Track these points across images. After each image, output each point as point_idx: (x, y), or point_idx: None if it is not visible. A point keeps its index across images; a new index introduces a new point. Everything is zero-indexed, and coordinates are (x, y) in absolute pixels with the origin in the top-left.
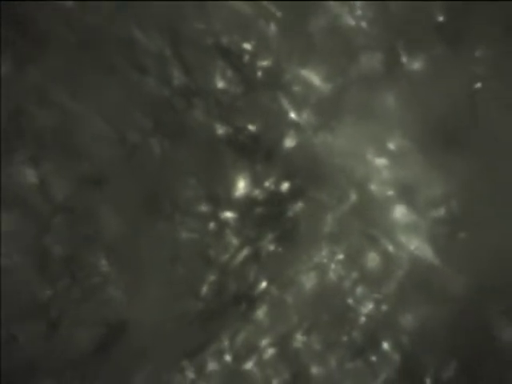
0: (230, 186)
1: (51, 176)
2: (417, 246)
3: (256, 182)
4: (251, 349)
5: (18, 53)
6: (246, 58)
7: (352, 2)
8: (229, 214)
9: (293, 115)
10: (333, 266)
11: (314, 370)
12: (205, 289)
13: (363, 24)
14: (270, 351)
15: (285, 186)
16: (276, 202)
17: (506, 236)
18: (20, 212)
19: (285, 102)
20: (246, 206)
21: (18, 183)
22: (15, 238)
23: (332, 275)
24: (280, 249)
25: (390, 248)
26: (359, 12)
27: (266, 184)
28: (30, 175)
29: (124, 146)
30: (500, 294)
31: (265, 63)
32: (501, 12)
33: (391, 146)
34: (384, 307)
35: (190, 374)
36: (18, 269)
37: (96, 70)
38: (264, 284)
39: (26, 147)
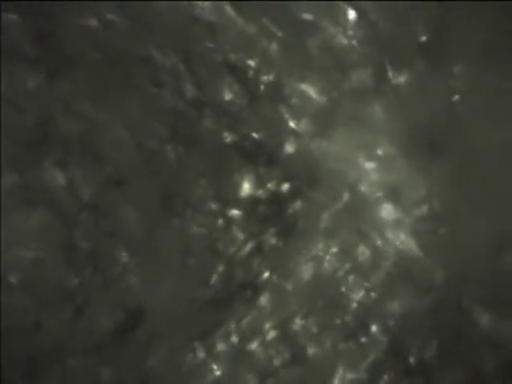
0: (236, 186)
1: (77, 178)
2: (402, 240)
3: (259, 183)
4: (255, 331)
5: (47, 68)
6: (251, 73)
7: (344, 23)
8: (235, 212)
9: (292, 124)
10: (328, 258)
11: (311, 350)
12: (214, 278)
13: (354, 43)
14: (272, 333)
15: (285, 186)
16: (277, 201)
17: (482, 232)
18: (50, 210)
19: (285, 113)
20: (250, 204)
21: (47, 185)
22: (45, 233)
23: (327, 266)
24: (281, 242)
25: (379, 242)
26: (351, 32)
27: (268, 185)
28: (59, 177)
29: (142, 151)
30: (476, 285)
31: (267, 78)
32: (478, 33)
33: (379, 151)
34: (373, 295)
35: (201, 354)
36: (47, 260)
37: (117, 84)
38: (266, 274)
39: (55, 152)
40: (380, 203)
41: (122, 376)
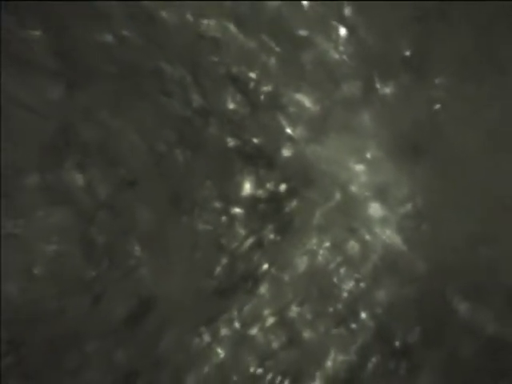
0: (239, 187)
1: (95, 179)
2: (388, 235)
3: (259, 184)
4: (255, 318)
5: (68, 80)
6: (251, 84)
7: (336, 39)
8: (237, 210)
9: (289, 130)
10: (321, 251)
11: (306, 334)
12: (218, 270)
13: (345, 57)
14: (271, 320)
15: (282, 187)
16: (275, 200)
17: (460, 229)
18: (70, 208)
19: (282, 120)
20: (251, 203)
21: (68, 185)
22: (66, 230)
23: (320, 259)
24: (279, 238)
25: (367, 237)
26: (342, 48)
27: (268, 186)
28: (78, 179)
29: (153, 155)
30: (456, 275)
31: (266, 88)
32: (456, 47)
33: (368, 155)
34: (362, 285)
35: (207, 338)
36: (68, 254)
37: (131, 94)
38: (266, 266)
39: (74, 156)
40: (368, 202)
41: (134, 358)
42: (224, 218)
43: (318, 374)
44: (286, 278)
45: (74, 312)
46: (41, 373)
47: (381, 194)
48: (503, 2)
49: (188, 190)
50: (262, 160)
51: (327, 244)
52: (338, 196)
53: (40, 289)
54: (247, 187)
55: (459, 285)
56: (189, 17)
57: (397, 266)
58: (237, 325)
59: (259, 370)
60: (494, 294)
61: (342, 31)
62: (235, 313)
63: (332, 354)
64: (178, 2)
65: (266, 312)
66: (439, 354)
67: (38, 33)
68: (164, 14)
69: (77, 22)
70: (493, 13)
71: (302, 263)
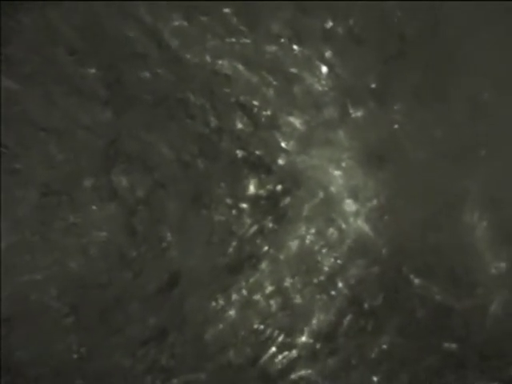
0: (245, 188)
1: (136, 181)
2: (359, 224)
3: (261, 185)
4: (258, 287)
5: (115, 107)
6: (255, 109)
7: (319, 75)
8: (244, 205)
9: (283, 145)
10: (308, 237)
11: (297, 300)
12: (230, 250)
13: (326, 89)
14: (270, 289)
15: (279, 187)
16: (273, 197)
17: (414, 219)
18: (117, 204)
19: (278, 137)
20: (255, 200)
21: (115, 186)
22: (113, 220)
23: (308, 243)
24: (276, 226)
25: (343, 226)
26: (323, 82)
27: (267, 187)
28: (123, 181)
29: (180, 163)
30: (410, 256)
31: (266, 113)
32: (411, 82)
33: (343, 164)
34: (339, 262)
35: (221, 303)
36: (114, 239)
37: (163, 117)
38: (266, 248)
39: (120, 164)
40: (344, 199)
41: (165, 319)
42: (234, 211)
43: (305, 329)
44: (282, 257)
45: (119, 283)
46: (94, 329)
47: (353, 193)
48: (447, 47)
49: (207, 190)
50: (262, 167)
51: (313, 231)
52: (321, 194)
53: (94, 265)
54: (252, 188)
55: (413, 263)
56: (207, 58)
57: (366, 248)
58: (244, 292)
59: (261, 327)
60: (440, 271)
61: (324, 69)
62: (243, 283)
63: (316, 315)
64: (198, 46)
65: (267, 283)
66: (398, 315)
67: (93, 70)
68: (188, 55)
69: (122, 62)
70: (439, 55)
71: (293, 246)
